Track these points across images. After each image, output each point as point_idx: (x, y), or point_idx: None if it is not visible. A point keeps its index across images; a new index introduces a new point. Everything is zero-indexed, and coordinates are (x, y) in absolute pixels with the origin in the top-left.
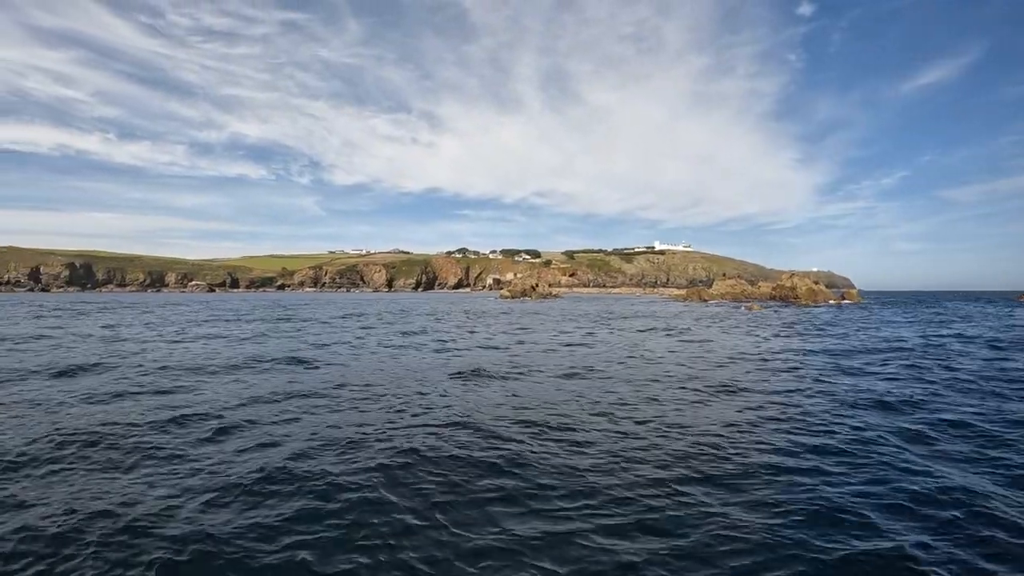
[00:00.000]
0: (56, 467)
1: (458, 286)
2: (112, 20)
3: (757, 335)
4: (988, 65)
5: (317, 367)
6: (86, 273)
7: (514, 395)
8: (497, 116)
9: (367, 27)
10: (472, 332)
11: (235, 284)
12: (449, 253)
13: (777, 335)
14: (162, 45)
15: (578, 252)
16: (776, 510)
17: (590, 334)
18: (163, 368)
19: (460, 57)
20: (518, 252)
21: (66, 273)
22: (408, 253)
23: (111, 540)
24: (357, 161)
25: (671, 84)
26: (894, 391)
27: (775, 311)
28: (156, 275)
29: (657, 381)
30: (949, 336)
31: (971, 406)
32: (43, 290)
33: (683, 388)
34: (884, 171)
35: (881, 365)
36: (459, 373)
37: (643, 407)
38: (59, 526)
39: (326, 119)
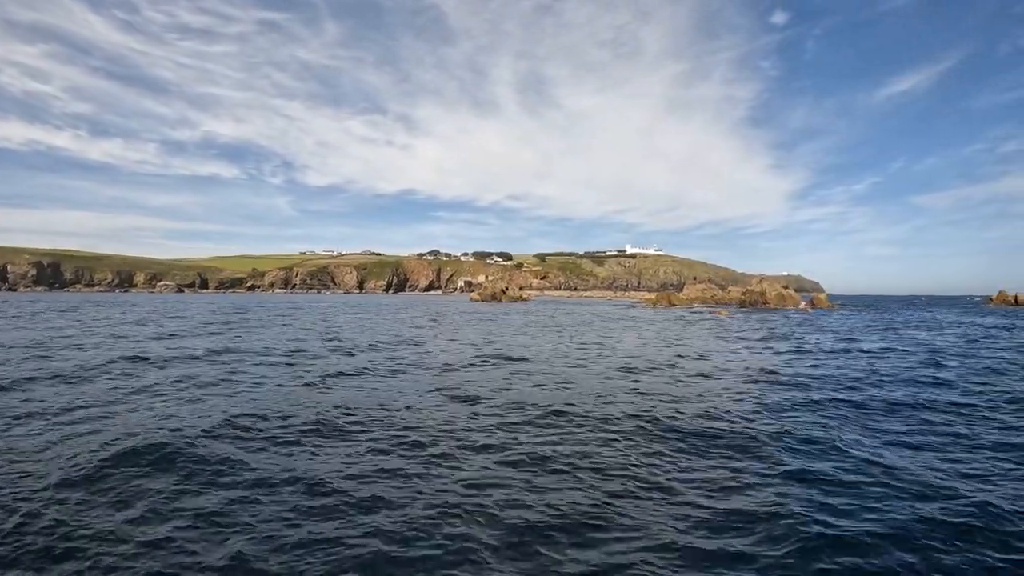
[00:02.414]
0: None
1: (429, 288)
2: (88, 15)
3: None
4: (960, 74)
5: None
6: (54, 272)
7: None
8: (474, 119)
9: (347, 28)
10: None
11: (204, 285)
12: (421, 255)
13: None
14: (138, 41)
15: (550, 255)
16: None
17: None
18: None
19: (439, 60)
20: (490, 254)
21: (33, 272)
22: (380, 255)
23: None
24: (332, 162)
25: (649, 89)
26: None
27: (744, 316)
28: (125, 275)
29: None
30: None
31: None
32: (10, 289)
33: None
34: (856, 177)
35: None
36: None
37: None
38: None
39: (302, 120)
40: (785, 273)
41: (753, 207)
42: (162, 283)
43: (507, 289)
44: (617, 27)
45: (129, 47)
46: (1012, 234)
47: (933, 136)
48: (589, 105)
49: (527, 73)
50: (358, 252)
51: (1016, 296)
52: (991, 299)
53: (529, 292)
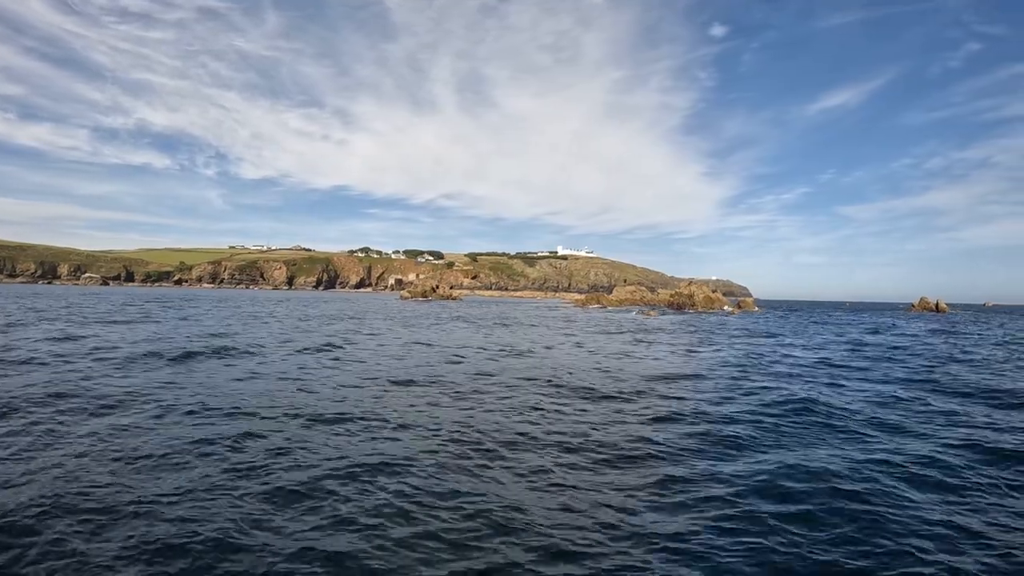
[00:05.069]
0: None
1: (360, 285)
2: None
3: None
4: (890, 93)
5: None
6: None
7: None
8: (412, 117)
9: (288, 20)
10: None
11: (131, 278)
12: (352, 252)
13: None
14: (74, 23)
15: (482, 255)
16: None
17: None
18: None
19: (379, 56)
20: (421, 253)
21: None
22: (310, 251)
23: None
24: (266, 155)
25: (587, 94)
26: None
27: (666, 317)
28: (48, 266)
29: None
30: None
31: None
32: None
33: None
34: (786, 187)
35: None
36: None
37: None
38: None
39: (237, 111)
40: (715, 278)
41: (685, 212)
42: (87, 275)
43: (438, 288)
44: (559, 32)
45: (64, 28)
46: (934, 246)
47: (862, 150)
48: (527, 107)
49: (467, 73)
50: (288, 248)
51: (937, 303)
52: (913, 305)
53: (460, 291)
